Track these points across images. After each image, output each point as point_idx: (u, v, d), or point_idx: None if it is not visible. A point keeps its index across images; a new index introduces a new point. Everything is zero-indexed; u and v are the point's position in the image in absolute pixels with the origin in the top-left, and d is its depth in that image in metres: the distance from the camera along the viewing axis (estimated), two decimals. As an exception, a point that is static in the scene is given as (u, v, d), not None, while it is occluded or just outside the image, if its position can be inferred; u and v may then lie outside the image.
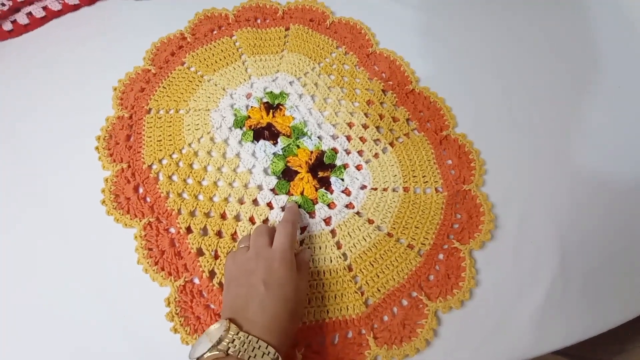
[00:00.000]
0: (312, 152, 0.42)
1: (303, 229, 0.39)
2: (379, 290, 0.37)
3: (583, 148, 0.46)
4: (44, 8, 0.50)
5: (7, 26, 0.49)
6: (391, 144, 0.44)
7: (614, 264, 0.40)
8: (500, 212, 0.42)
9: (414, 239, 0.39)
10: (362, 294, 0.37)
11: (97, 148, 0.43)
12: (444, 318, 0.37)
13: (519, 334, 0.37)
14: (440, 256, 0.39)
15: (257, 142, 0.43)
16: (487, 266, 0.39)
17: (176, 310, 0.35)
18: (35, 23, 0.50)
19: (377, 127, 0.44)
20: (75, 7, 0.51)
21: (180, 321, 0.35)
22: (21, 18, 0.49)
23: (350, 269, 0.38)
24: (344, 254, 0.38)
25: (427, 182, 0.42)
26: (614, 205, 0.43)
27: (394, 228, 0.39)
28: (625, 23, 0.55)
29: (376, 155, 0.43)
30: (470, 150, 0.44)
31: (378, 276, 0.37)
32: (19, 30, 0.49)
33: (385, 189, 0.41)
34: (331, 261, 0.38)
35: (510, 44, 0.52)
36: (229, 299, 0.32)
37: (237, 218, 0.39)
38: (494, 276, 0.39)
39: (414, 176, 0.42)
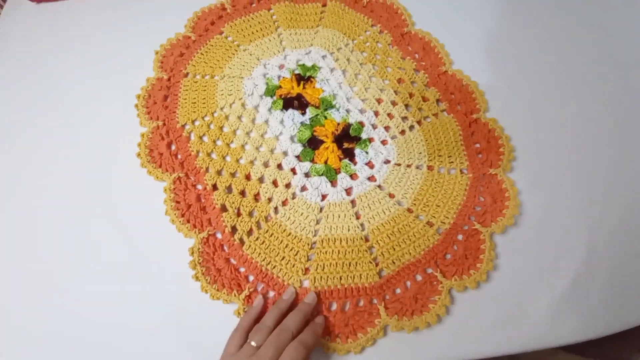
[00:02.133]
0: (338, 124, 0.43)
1: (323, 197, 0.40)
2: (393, 263, 0.37)
3: (619, 141, 0.44)
4: None
5: None
6: (419, 122, 0.43)
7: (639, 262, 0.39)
8: (527, 200, 0.41)
9: (434, 217, 0.39)
10: (377, 264, 0.37)
11: (136, 106, 0.45)
12: (458, 298, 0.37)
13: (534, 323, 0.36)
14: (460, 237, 0.38)
15: (286, 110, 0.44)
16: (508, 252, 0.39)
17: (199, 259, 0.37)
18: None
19: (406, 105, 0.44)
20: None
21: (201, 270, 0.37)
22: None
23: (367, 239, 0.38)
24: (362, 225, 0.39)
25: (452, 162, 0.42)
26: None
27: (415, 204, 0.39)
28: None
29: (402, 132, 0.43)
30: (500, 135, 0.43)
31: (394, 249, 0.38)
32: None
33: (409, 166, 0.41)
34: (349, 230, 0.38)
35: (551, 31, 0.50)
36: None
37: (261, 180, 0.41)
38: (514, 262, 0.38)
39: (440, 155, 0.42)
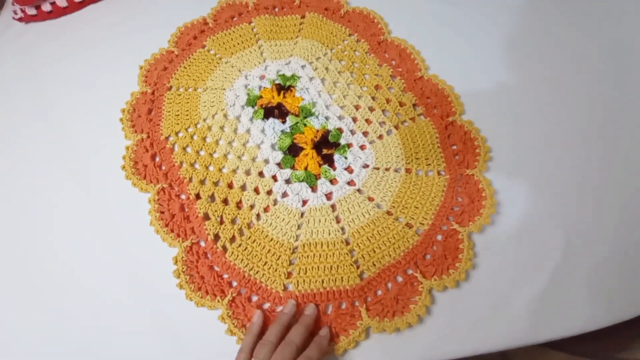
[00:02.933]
0: (317, 131, 0.44)
1: (304, 202, 0.41)
2: (374, 265, 0.38)
3: (592, 140, 0.45)
4: None
5: (47, 7, 0.54)
6: (396, 127, 0.45)
7: (619, 259, 0.39)
8: (504, 199, 0.41)
9: (413, 219, 0.40)
10: (358, 267, 0.38)
11: (121, 119, 0.46)
12: (439, 298, 0.37)
13: (514, 321, 0.37)
14: (439, 237, 0.39)
15: (267, 120, 0.45)
16: (486, 250, 0.39)
17: (183, 268, 0.38)
18: (74, 6, 0.55)
19: (383, 110, 0.46)
20: None
21: (186, 278, 0.37)
22: (60, 1, 0.54)
23: (347, 242, 0.39)
24: (342, 228, 0.40)
25: (429, 164, 0.43)
26: (621, 200, 0.41)
27: (394, 207, 0.40)
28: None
29: (380, 137, 0.44)
30: (476, 137, 0.44)
31: (374, 251, 0.38)
32: (57, 12, 0.55)
33: (387, 169, 0.42)
34: (329, 234, 0.39)
35: (522, 34, 0.52)
36: None
37: (243, 188, 0.42)
38: (492, 261, 0.39)
39: (417, 158, 0.43)
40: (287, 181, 0.42)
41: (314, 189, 0.41)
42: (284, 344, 0.33)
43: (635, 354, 0.43)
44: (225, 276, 0.38)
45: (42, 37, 0.55)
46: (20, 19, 0.56)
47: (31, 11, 0.55)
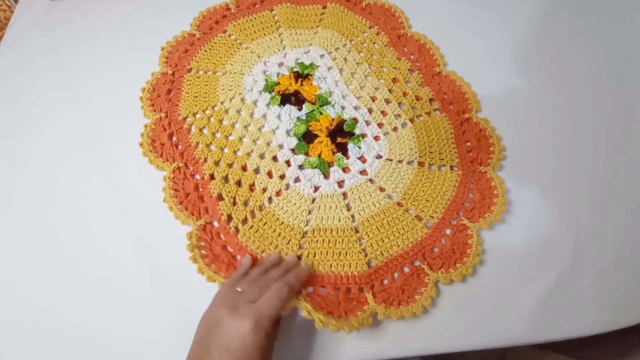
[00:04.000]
0: (333, 119, 0.44)
1: (316, 188, 0.41)
2: (382, 254, 0.38)
3: (603, 145, 0.44)
4: None
5: None
6: (411, 120, 0.45)
7: (626, 265, 0.39)
8: (515, 198, 0.42)
9: (423, 211, 0.40)
10: (366, 255, 0.38)
11: (141, 98, 0.47)
12: (444, 292, 0.38)
13: (517, 319, 0.37)
14: (448, 231, 0.39)
15: (284, 106, 0.46)
16: (495, 248, 0.39)
17: (196, 243, 0.38)
18: None
19: (399, 103, 0.46)
20: None
21: (199, 253, 0.38)
22: None
23: (357, 230, 0.39)
24: (353, 216, 0.40)
25: (443, 159, 0.43)
26: (631, 206, 0.41)
27: (405, 198, 0.41)
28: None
29: (395, 129, 0.44)
30: (491, 135, 0.44)
31: (383, 241, 0.39)
32: None
33: (400, 161, 0.43)
34: (339, 221, 0.40)
35: (543, 34, 0.52)
36: (193, 348, 0.30)
37: (256, 171, 0.42)
38: (500, 258, 0.39)
39: (430, 152, 0.43)
40: (301, 167, 0.42)
41: (326, 176, 0.42)
42: (263, 278, 0.34)
43: None
44: (239, 257, 0.38)
45: (66, 15, 0.56)
46: None
47: None
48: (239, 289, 0.33)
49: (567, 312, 0.37)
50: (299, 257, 0.38)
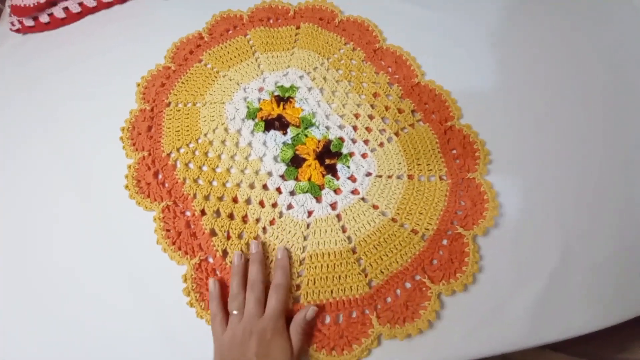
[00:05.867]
0: (319, 141, 0.44)
1: (309, 213, 0.41)
2: (382, 272, 0.38)
3: (590, 142, 0.45)
4: (80, 4, 0.55)
5: (44, 18, 0.54)
6: (396, 134, 0.45)
7: (617, 261, 0.40)
8: (505, 201, 0.42)
9: (418, 224, 0.40)
10: (366, 275, 0.38)
11: (121, 138, 0.46)
12: (446, 302, 0.38)
13: (514, 323, 0.37)
14: (444, 241, 0.40)
15: (268, 132, 0.45)
16: (490, 253, 0.40)
17: (192, 286, 0.38)
18: (71, 17, 0.55)
19: (383, 118, 0.46)
20: (109, 5, 0.56)
21: (195, 297, 0.37)
22: (58, 12, 0.54)
23: (354, 251, 0.39)
24: (349, 237, 0.40)
25: (431, 170, 0.43)
26: (619, 202, 0.42)
27: (398, 213, 0.41)
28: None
29: (381, 144, 0.45)
30: (475, 140, 0.45)
31: (382, 259, 0.39)
32: (55, 23, 0.55)
33: (389, 177, 0.43)
34: (336, 244, 0.39)
35: (515, 38, 0.53)
36: None
37: (247, 202, 0.42)
38: (497, 263, 0.39)
39: (419, 164, 0.43)
40: (292, 193, 0.42)
41: (318, 199, 0.42)
42: (249, 287, 0.35)
43: (635, 353, 0.44)
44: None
45: (39, 49, 0.55)
46: (17, 30, 0.56)
47: (29, 22, 0.55)
48: (235, 312, 0.34)
49: (562, 312, 0.37)
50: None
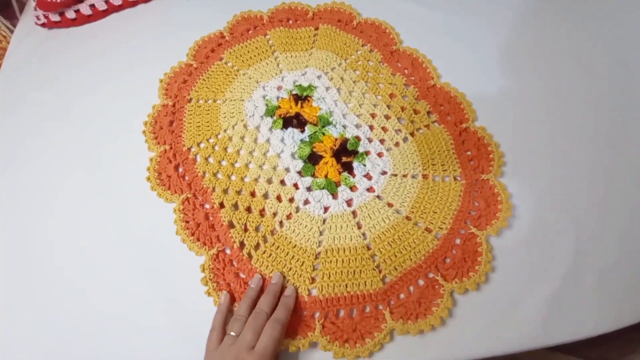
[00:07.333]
0: (336, 139, 0.45)
1: (326, 209, 0.42)
2: (395, 269, 0.39)
3: (601, 145, 0.46)
4: (106, 2, 0.56)
5: (71, 14, 0.56)
6: (412, 134, 0.46)
7: (628, 264, 0.40)
8: (518, 203, 0.43)
9: (432, 223, 0.41)
10: (380, 271, 0.39)
11: (144, 132, 0.48)
12: (459, 300, 0.38)
13: (526, 323, 0.37)
14: (457, 240, 0.40)
15: (286, 129, 0.46)
16: (503, 253, 0.40)
17: (210, 276, 0.39)
18: (97, 15, 0.56)
19: (399, 118, 0.47)
20: (134, 4, 0.58)
21: (213, 286, 0.38)
22: (84, 9, 0.56)
23: (369, 248, 0.40)
24: (364, 234, 0.41)
25: (446, 170, 0.44)
26: (631, 205, 0.42)
27: (413, 212, 0.41)
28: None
29: (397, 144, 0.45)
30: (490, 142, 0.45)
31: (395, 256, 0.39)
32: (81, 20, 0.56)
33: (405, 175, 0.43)
34: (351, 240, 0.40)
35: (529, 43, 0.53)
36: None
37: (265, 196, 0.43)
38: (505, 264, 0.40)
39: (433, 164, 0.44)
40: (309, 189, 0.43)
41: (334, 196, 0.43)
42: (254, 314, 0.35)
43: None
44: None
45: (64, 44, 0.57)
46: (43, 25, 0.58)
47: (55, 17, 0.56)
48: (232, 333, 0.34)
49: (573, 314, 0.38)
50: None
